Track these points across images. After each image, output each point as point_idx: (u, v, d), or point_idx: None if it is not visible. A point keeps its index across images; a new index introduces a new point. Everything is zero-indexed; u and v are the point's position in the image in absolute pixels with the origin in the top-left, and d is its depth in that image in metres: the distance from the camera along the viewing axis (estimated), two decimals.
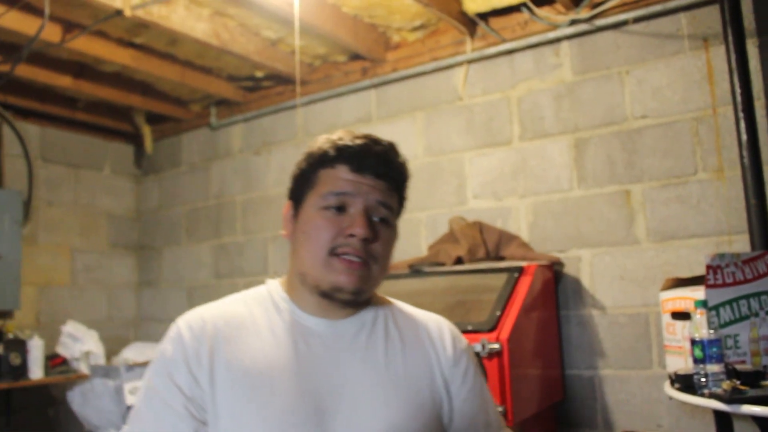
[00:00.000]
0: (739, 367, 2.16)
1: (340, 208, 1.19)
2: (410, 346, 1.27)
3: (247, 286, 1.32)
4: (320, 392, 1.15)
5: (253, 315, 1.23)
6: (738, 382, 2.05)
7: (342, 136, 1.24)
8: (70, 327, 4.27)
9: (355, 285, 1.18)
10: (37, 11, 3.19)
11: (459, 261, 3.29)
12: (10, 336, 3.94)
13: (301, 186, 1.25)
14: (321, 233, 1.18)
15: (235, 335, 1.19)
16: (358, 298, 1.21)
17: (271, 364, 1.16)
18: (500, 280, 2.97)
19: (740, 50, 2.73)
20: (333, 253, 1.17)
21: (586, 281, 3.24)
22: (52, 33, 3.43)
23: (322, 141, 1.25)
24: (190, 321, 1.21)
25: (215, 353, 1.16)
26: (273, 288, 1.28)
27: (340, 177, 1.20)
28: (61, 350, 4.20)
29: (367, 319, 1.27)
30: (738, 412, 1.99)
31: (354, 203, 1.19)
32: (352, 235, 1.17)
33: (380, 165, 1.21)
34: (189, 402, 1.13)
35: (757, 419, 2.02)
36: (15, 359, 3.85)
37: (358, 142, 1.22)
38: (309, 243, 1.19)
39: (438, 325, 1.34)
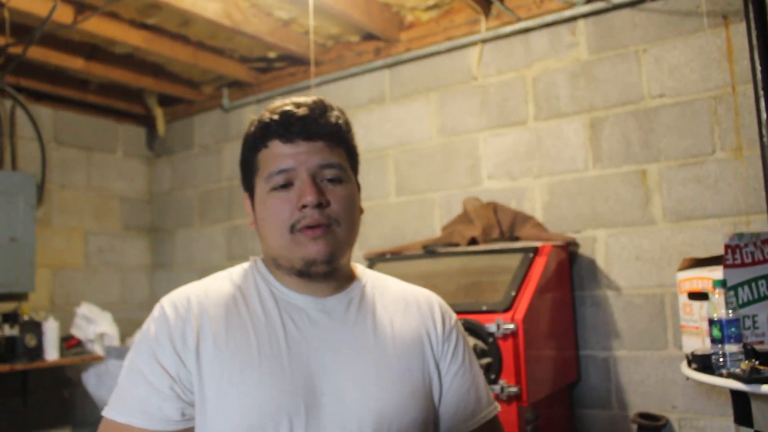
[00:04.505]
0: (757, 347, 2.14)
1: (287, 185, 1.16)
2: (400, 322, 1.25)
3: None
4: (310, 371, 1.13)
5: (240, 293, 1.21)
6: (757, 362, 2.03)
7: (264, 112, 1.21)
8: (84, 309, 4.29)
9: (325, 252, 1.15)
10: None
11: (473, 242, 3.27)
12: (26, 318, 3.97)
13: (248, 174, 1.25)
14: (277, 215, 1.16)
15: (222, 314, 1.17)
16: (334, 265, 1.18)
17: (259, 342, 1.14)
18: (515, 260, 2.96)
19: (761, 27, 2.67)
20: (294, 230, 1.15)
21: (601, 262, 3.21)
22: (64, 14, 3.42)
23: (250, 124, 1.24)
24: (174, 300, 1.18)
25: (201, 333, 1.14)
26: (258, 266, 1.26)
27: (275, 154, 1.18)
28: (76, 332, 4.23)
29: (354, 295, 1.25)
30: (758, 392, 1.97)
31: (297, 175, 1.16)
32: (304, 206, 1.14)
33: (308, 127, 1.17)
34: (175, 383, 1.11)
35: None
36: (31, 341, 3.87)
37: (280, 111, 1.18)
38: (270, 227, 1.18)
39: (428, 300, 1.32)
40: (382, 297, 1.28)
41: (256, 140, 1.21)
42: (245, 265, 1.28)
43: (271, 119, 1.18)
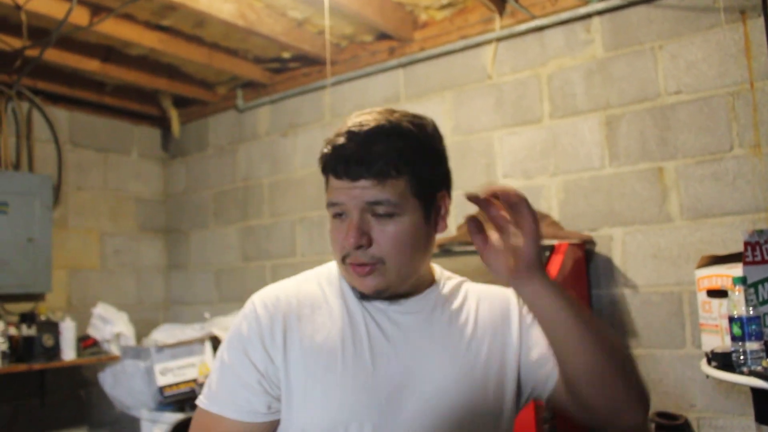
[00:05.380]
0: None
1: (342, 215, 1.16)
2: (477, 320, 1.26)
3: (275, 268, 1.33)
4: (391, 372, 1.17)
5: (325, 294, 1.25)
6: None
7: (330, 137, 1.18)
8: (101, 309, 4.31)
9: (373, 288, 1.17)
10: None
11: None
12: (43, 318, 4.00)
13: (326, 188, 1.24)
14: (334, 242, 1.19)
15: (308, 313, 1.21)
16: (386, 296, 1.20)
17: (343, 342, 1.18)
18: None
19: None
20: (345, 261, 1.18)
21: (617, 260, 3.19)
22: (80, 16, 3.45)
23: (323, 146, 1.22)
24: (264, 298, 1.23)
25: (289, 330, 1.19)
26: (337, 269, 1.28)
27: (331, 186, 1.17)
28: (92, 332, 4.25)
29: (432, 296, 1.26)
30: None
31: (348, 210, 1.15)
32: None
33: (355, 166, 1.12)
34: (263, 378, 1.16)
35: None
36: (48, 341, 3.90)
37: (333, 144, 1.15)
38: (332, 249, 1.21)
39: (503, 295, 1.32)
40: (459, 297, 1.29)
41: (321, 167, 1.20)
42: (332, 266, 1.30)
43: (326, 152, 1.17)
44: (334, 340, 1.18)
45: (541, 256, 1.08)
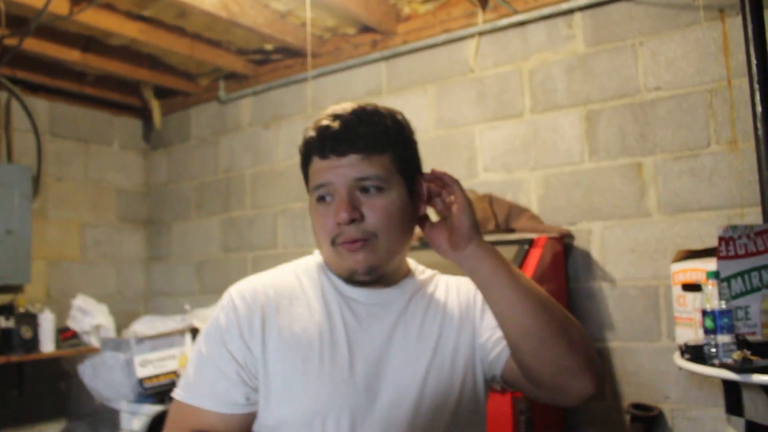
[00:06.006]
0: (749, 338, 2.16)
1: (327, 198, 1.18)
2: (450, 314, 1.28)
3: (256, 260, 1.34)
4: (367, 361, 1.18)
5: (303, 286, 1.26)
6: (748, 353, 2.05)
7: (309, 125, 1.22)
8: (80, 301, 4.29)
9: (365, 264, 1.18)
10: None
11: None
12: (22, 310, 3.97)
13: (305, 179, 1.27)
14: (322, 227, 1.19)
15: (286, 305, 1.22)
16: (377, 274, 1.21)
17: (320, 333, 1.19)
18: (510, 252, 2.97)
19: (757, 20, 2.68)
20: (335, 243, 1.18)
21: (596, 254, 3.23)
22: (60, 5, 3.41)
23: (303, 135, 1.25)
24: (242, 290, 1.24)
25: (267, 321, 1.19)
26: (320, 260, 1.30)
27: (315, 169, 1.20)
28: (72, 324, 4.23)
29: (409, 288, 1.29)
30: (749, 382, 1.99)
31: (335, 189, 1.17)
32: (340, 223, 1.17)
33: (341, 143, 1.16)
34: (241, 368, 1.17)
35: (767, 389, 2.02)
36: (26, 333, 3.88)
37: (317, 126, 1.20)
38: (317, 237, 1.22)
39: (470, 286, 1.33)
40: (432, 288, 1.32)
41: (302, 155, 1.23)
42: (310, 258, 1.32)
43: (310, 135, 1.20)
44: (312, 332, 1.19)
45: (477, 226, 1.17)
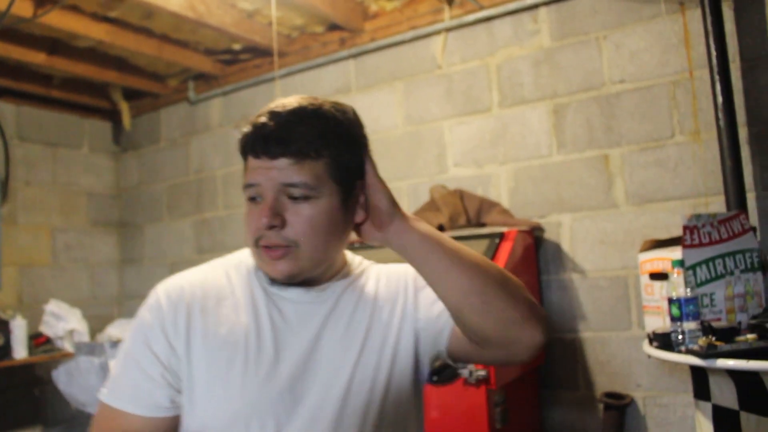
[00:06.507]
0: (714, 324, 2.21)
1: (257, 198, 1.15)
2: (381, 304, 1.26)
3: None
4: (294, 361, 1.16)
5: (232, 284, 1.23)
6: (713, 338, 2.10)
7: (252, 118, 1.17)
8: (53, 306, 4.25)
9: (284, 272, 1.15)
10: None
11: (440, 228, 3.30)
12: None
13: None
14: (248, 225, 1.16)
15: (213, 304, 1.19)
16: (298, 281, 1.19)
17: (246, 334, 1.16)
18: (481, 246, 3.00)
19: (716, 13, 2.74)
20: (258, 244, 1.15)
21: (566, 246, 3.27)
22: (23, 8, 3.37)
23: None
24: (169, 289, 1.21)
25: (192, 322, 1.16)
26: (249, 257, 1.26)
27: (249, 166, 1.16)
28: (45, 329, 4.19)
29: (341, 284, 1.26)
30: (713, 366, 2.03)
31: (263, 191, 1.13)
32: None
33: (274, 144, 1.11)
34: (166, 370, 1.14)
35: (732, 373, 2.07)
36: None
37: (254, 123, 1.15)
38: (246, 234, 1.18)
39: (403, 271, 1.32)
40: (363, 280, 1.29)
41: (239, 149, 1.19)
42: (241, 255, 1.29)
43: (247, 132, 1.16)
44: (238, 333, 1.16)
45: (395, 203, 1.17)
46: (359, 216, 1.19)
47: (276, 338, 1.16)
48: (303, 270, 1.16)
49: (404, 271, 1.31)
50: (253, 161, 1.14)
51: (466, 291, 1.11)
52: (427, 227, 1.15)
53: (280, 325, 1.18)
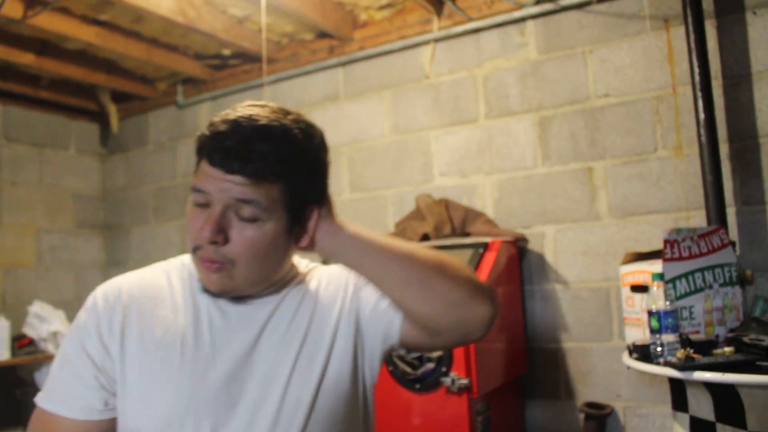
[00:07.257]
0: (693, 336, 2.25)
1: (205, 205, 1.10)
2: (322, 305, 1.23)
3: None
4: (232, 362, 1.14)
5: (172, 286, 1.21)
6: (691, 351, 2.14)
7: (215, 120, 1.11)
8: (37, 307, 4.23)
9: (216, 287, 1.12)
10: None
11: (425, 238, 3.33)
12: None
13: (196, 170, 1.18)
14: (190, 229, 1.12)
15: (150, 306, 1.18)
16: (230, 295, 1.16)
17: (183, 335, 1.15)
18: (466, 256, 3.03)
19: (699, 31, 2.80)
20: (195, 252, 1.12)
21: (549, 257, 3.31)
22: (13, 9, 3.37)
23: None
24: (106, 290, 1.20)
25: (127, 323, 1.15)
26: (190, 262, 1.22)
27: (202, 170, 1.10)
28: (28, 331, 4.17)
29: (283, 290, 1.23)
30: (690, 379, 2.07)
31: (213, 201, 1.08)
32: None
33: (235, 158, 1.06)
34: (99, 373, 1.13)
35: (708, 385, 2.11)
36: None
37: (214, 130, 1.09)
38: (186, 236, 1.14)
39: (345, 273, 1.29)
40: (307, 283, 1.27)
41: (195, 147, 1.15)
42: (183, 258, 1.27)
43: (206, 135, 1.10)
44: (174, 335, 1.14)
45: (331, 207, 1.17)
46: (304, 241, 1.16)
47: (214, 339, 1.15)
48: (236, 288, 1.14)
49: (346, 273, 1.29)
50: (207, 167, 1.09)
51: (404, 282, 1.12)
52: (354, 227, 1.16)
53: (220, 326, 1.17)
